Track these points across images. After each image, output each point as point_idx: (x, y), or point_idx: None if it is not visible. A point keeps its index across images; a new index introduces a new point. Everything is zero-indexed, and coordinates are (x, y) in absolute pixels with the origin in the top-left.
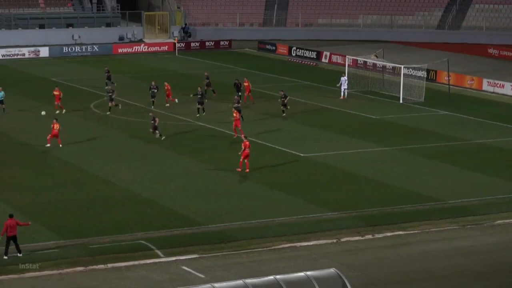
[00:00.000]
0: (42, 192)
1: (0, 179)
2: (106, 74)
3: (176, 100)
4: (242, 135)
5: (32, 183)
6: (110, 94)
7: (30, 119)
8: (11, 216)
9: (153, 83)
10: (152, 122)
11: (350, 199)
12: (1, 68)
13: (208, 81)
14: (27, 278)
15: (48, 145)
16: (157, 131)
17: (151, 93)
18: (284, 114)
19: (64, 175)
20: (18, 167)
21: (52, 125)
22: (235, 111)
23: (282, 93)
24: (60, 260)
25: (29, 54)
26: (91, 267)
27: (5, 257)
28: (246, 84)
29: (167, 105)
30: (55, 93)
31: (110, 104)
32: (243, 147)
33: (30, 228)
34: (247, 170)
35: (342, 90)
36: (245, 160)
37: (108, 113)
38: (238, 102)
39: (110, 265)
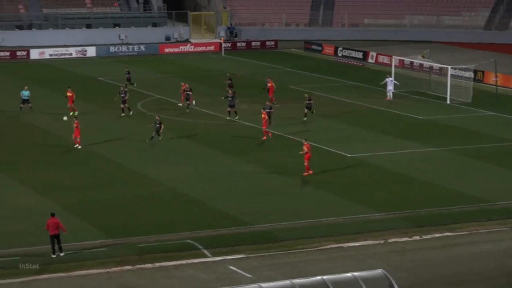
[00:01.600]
0: (90, 191)
1: (48, 179)
2: (127, 75)
3: (194, 102)
4: (303, 140)
5: (79, 183)
6: (122, 95)
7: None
8: (53, 214)
9: (121, 88)
10: (157, 125)
11: (397, 200)
12: (48, 67)
13: (230, 82)
14: (74, 276)
15: (77, 145)
16: (158, 134)
17: (122, 98)
18: (305, 118)
19: (111, 174)
20: (65, 166)
21: (74, 126)
22: (264, 112)
23: (307, 95)
24: (108, 259)
25: (76, 54)
26: (138, 266)
27: (54, 256)
28: (269, 84)
29: (180, 104)
30: (68, 94)
31: (122, 106)
32: (305, 149)
33: (78, 227)
34: (306, 173)
35: (388, 91)
36: (305, 163)
37: (123, 114)
38: (270, 108)
39: (157, 264)
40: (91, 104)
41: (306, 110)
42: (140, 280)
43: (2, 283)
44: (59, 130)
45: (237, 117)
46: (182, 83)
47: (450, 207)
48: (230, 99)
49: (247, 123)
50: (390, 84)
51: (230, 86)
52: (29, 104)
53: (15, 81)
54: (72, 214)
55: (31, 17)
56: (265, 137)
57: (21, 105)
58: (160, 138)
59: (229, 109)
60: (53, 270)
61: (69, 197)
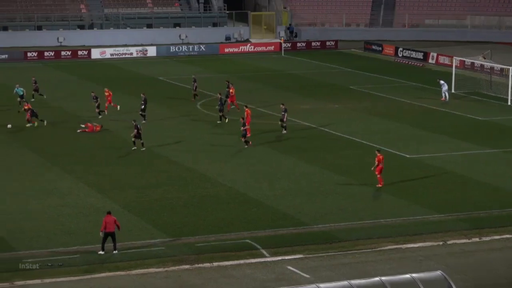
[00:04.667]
0: (148, 190)
1: (107, 177)
2: (34, 85)
3: (118, 107)
4: (376, 151)
5: (138, 181)
6: (95, 100)
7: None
8: (109, 212)
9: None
10: (135, 130)
11: (456, 201)
12: (109, 67)
13: (195, 84)
14: (133, 275)
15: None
16: (140, 140)
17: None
18: (285, 131)
19: (170, 173)
20: (125, 165)
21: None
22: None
23: (283, 107)
24: (166, 258)
25: (137, 54)
26: (197, 265)
27: (102, 252)
28: (231, 90)
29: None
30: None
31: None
32: (376, 162)
33: (137, 225)
34: (380, 184)
35: (443, 91)
36: (377, 175)
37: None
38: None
39: (215, 264)
40: (150, 103)
41: (280, 122)
42: (198, 279)
43: (63, 281)
44: (119, 130)
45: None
46: (106, 89)
47: (510, 209)
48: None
49: (306, 123)
50: (444, 85)
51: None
52: (19, 101)
53: (76, 80)
54: (131, 213)
55: (92, 17)
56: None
57: (19, 99)
58: (140, 144)
59: (220, 113)
60: (113, 269)
61: (128, 196)
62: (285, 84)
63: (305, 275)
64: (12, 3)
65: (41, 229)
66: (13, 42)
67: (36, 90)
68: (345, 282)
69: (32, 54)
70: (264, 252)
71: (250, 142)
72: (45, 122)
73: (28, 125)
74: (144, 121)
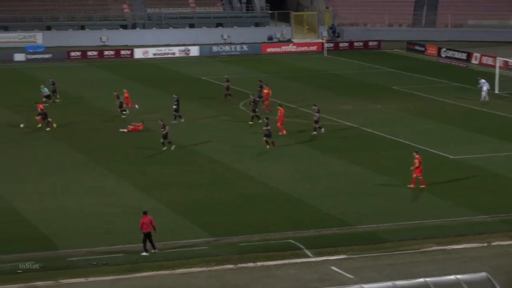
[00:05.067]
0: (191, 189)
1: (150, 176)
2: (52, 86)
3: (136, 106)
4: (414, 153)
5: (181, 180)
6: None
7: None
8: (145, 212)
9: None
10: (162, 129)
11: (501, 202)
12: (152, 67)
13: (228, 84)
14: (177, 274)
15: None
16: (167, 140)
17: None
18: (314, 132)
19: (213, 173)
20: (167, 164)
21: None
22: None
23: (315, 108)
24: (210, 258)
25: (179, 53)
26: (240, 265)
27: (146, 254)
28: (266, 91)
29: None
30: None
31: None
32: (416, 163)
33: (180, 224)
34: (423, 185)
35: (484, 91)
36: (419, 176)
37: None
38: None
39: (259, 264)
40: (193, 103)
41: (314, 124)
42: (241, 279)
43: (106, 279)
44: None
45: (252, 122)
46: (124, 90)
47: None
48: (253, 104)
49: (348, 123)
50: (485, 85)
51: (227, 88)
52: (44, 100)
53: (120, 80)
54: (174, 212)
55: (135, 16)
56: (280, 133)
57: (44, 99)
58: (168, 144)
59: (252, 113)
60: (156, 268)
61: (171, 195)
62: (327, 84)
63: (349, 275)
64: (56, 3)
65: (85, 228)
66: (56, 42)
67: (55, 91)
68: (389, 283)
69: (76, 53)
70: (307, 252)
71: (274, 146)
72: (55, 125)
73: (38, 126)
74: (182, 120)
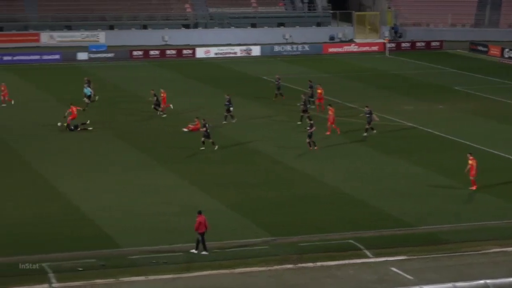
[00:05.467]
0: (251, 188)
1: (210, 175)
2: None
3: (171, 106)
4: (468, 154)
5: (240, 180)
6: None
7: (241, 117)
8: (200, 212)
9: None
10: (203, 129)
11: None
12: (213, 66)
13: (279, 83)
14: (236, 273)
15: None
16: (210, 139)
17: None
18: (365, 134)
19: (271, 172)
20: (226, 163)
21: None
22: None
23: (367, 109)
24: (269, 257)
25: (241, 53)
26: (300, 265)
27: (205, 253)
28: (319, 91)
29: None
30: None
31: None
32: (471, 165)
33: (240, 224)
34: (474, 187)
35: None
36: (473, 178)
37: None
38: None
39: (318, 264)
40: (254, 102)
41: (367, 126)
42: (301, 279)
43: (166, 278)
44: (225, 129)
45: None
46: (162, 90)
47: None
48: (302, 104)
49: (410, 124)
50: None
51: (278, 88)
52: (86, 101)
53: (182, 79)
54: (234, 211)
55: (197, 16)
56: (328, 132)
57: (87, 101)
58: (211, 144)
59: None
60: (216, 267)
61: (231, 195)
62: (389, 85)
63: (408, 276)
64: (119, 3)
65: (146, 227)
66: (119, 41)
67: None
68: (449, 285)
69: (138, 53)
70: (367, 252)
71: (316, 147)
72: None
73: (59, 123)
74: (233, 121)
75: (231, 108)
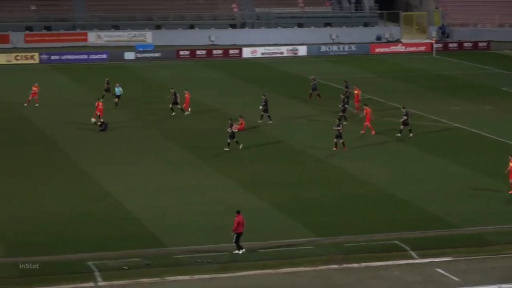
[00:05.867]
0: (295, 188)
1: (255, 175)
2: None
3: (189, 109)
4: (510, 156)
5: (285, 179)
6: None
7: (286, 117)
8: (238, 212)
9: None
10: (229, 129)
11: None
12: (260, 66)
13: (314, 83)
14: (282, 273)
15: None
16: (234, 139)
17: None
18: (399, 134)
19: (317, 172)
20: (271, 163)
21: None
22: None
23: (404, 110)
24: (315, 257)
25: (287, 53)
26: (345, 265)
27: (242, 251)
28: (356, 92)
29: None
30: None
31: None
32: (511, 166)
33: (286, 224)
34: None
35: None
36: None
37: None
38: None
39: (363, 264)
40: (299, 102)
41: (401, 126)
42: (346, 279)
43: (211, 277)
44: (269, 128)
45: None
46: (185, 91)
47: None
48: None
49: (456, 124)
50: None
51: (314, 89)
52: (115, 100)
53: (228, 79)
54: (279, 211)
55: (244, 16)
56: (363, 131)
57: (116, 100)
58: (235, 143)
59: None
60: (261, 267)
61: (276, 194)
62: (436, 85)
63: (454, 278)
64: (166, 3)
65: (191, 226)
66: (165, 41)
67: (107, 90)
68: (495, 286)
69: (184, 52)
70: (412, 253)
71: (345, 147)
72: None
73: (92, 120)
74: (269, 122)
75: (261, 107)
